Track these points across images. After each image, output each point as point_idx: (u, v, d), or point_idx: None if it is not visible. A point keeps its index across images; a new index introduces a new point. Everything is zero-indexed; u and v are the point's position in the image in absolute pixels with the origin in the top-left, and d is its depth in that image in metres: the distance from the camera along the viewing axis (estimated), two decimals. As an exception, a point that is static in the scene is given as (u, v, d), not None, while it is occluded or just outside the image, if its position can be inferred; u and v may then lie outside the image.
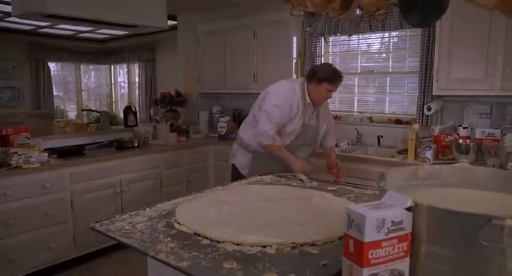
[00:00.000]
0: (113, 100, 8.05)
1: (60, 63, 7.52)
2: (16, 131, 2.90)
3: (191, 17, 4.81)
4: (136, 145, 3.69)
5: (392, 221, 0.80)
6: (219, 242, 1.19)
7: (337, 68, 2.57)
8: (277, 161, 2.46)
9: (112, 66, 7.97)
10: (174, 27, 4.84)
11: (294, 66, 3.92)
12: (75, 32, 6.53)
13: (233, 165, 2.75)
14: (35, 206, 2.80)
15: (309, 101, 2.50)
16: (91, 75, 8.18)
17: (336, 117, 3.99)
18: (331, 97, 2.59)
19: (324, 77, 2.44)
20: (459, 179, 1.19)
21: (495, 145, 2.78)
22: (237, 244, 1.17)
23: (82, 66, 7.87)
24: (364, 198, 1.70)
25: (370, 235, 0.78)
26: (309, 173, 2.27)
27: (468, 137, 2.97)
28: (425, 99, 3.27)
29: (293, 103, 2.46)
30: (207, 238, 1.22)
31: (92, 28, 5.65)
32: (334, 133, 2.86)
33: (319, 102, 2.55)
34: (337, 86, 2.53)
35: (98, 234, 1.32)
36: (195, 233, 1.26)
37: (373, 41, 3.80)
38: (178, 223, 1.36)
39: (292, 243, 1.17)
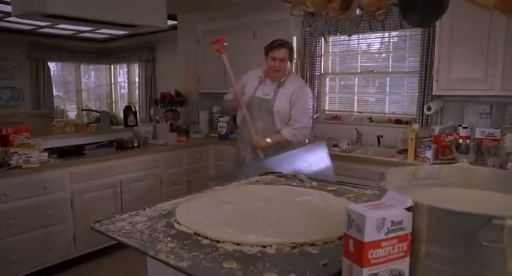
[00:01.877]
0: (113, 100, 8.05)
1: (60, 63, 7.52)
2: (16, 130, 2.90)
3: (191, 17, 4.81)
4: (136, 145, 3.70)
5: (392, 221, 0.80)
6: (219, 242, 1.19)
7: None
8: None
9: (112, 66, 7.96)
10: (174, 27, 4.84)
11: (294, 66, 3.91)
12: (75, 32, 6.52)
13: None
14: (35, 206, 2.80)
15: (260, 74, 2.86)
16: (91, 75, 8.18)
17: (336, 117, 3.99)
18: (279, 68, 2.76)
19: (266, 48, 2.83)
20: (459, 179, 1.19)
21: (495, 145, 2.79)
22: (237, 244, 1.17)
23: (82, 66, 7.86)
24: (364, 198, 1.69)
25: (370, 235, 0.78)
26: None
27: (468, 137, 2.97)
28: (425, 99, 3.27)
29: (250, 77, 2.92)
30: (207, 238, 1.22)
31: (92, 28, 5.65)
32: (295, 129, 2.74)
33: (270, 73, 2.80)
34: (285, 54, 2.76)
35: (98, 234, 1.32)
36: (195, 233, 1.26)
37: (373, 41, 3.80)
38: (178, 223, 1.35)
39: (292, 243, 1.16)
